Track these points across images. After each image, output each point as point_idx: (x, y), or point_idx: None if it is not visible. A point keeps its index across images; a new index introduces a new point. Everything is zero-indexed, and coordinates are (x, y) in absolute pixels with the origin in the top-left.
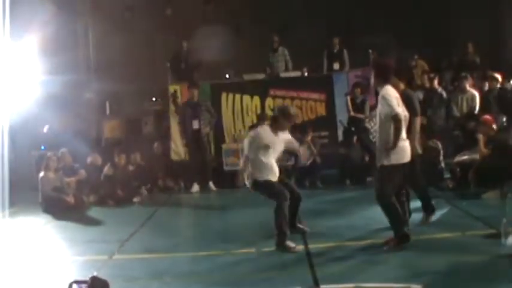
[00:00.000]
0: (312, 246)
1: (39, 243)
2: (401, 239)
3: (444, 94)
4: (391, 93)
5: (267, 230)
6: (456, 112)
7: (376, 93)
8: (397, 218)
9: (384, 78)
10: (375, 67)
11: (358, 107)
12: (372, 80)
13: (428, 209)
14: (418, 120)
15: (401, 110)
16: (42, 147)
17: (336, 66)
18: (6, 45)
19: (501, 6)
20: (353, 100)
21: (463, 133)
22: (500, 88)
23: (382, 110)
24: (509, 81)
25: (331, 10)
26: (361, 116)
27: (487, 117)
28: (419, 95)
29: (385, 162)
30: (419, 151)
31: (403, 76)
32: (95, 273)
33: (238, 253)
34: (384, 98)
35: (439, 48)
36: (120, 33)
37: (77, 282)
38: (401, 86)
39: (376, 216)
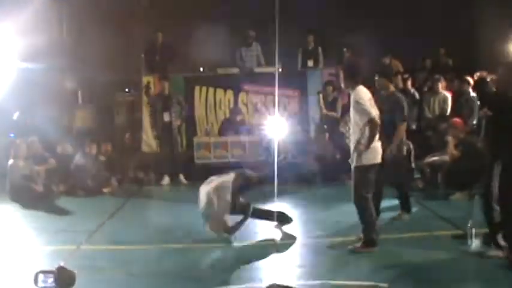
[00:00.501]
0: (282, 242)
1: (6, 232)
2: (369, 243)
3: (417, 95)
4: (363, 97)
5: None
6: (428, 113)
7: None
8: (369, 223)
9: (353, 80)
10: (343, 68)
11: (330, 105)
12: (341, 82)
13: (405, 208)
14: (404, 127)
15: (375, 111)
16: (12, 135)
17: (310, 63)
18: None
19: (475, 7)
20: (325, 98)
21: (434, 134)
22: (480, 81)
23: (356, 114)
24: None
25: (308, 7)
26: (333, 114)
27: (457, 119)
28: None
29: (358, 163)
30: (394, 152)
31: (388, 77)
32: (61, 264)
33: (207, 247)
34: (358, 103)
35: (413, 49)
36: (95, 22)
37: (43, 272)
38: (391, 87)
39: (346, 213)
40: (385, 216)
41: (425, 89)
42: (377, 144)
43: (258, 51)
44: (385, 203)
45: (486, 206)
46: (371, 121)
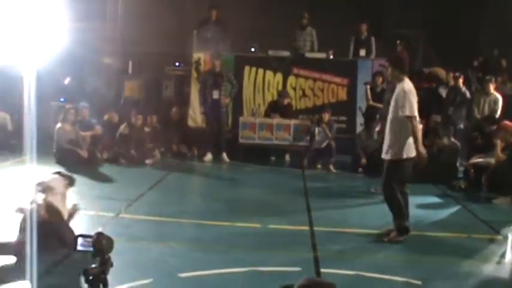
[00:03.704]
0: (317, 229)
1: None
2: (401, 231)
3: (468, 94)
4: (411, 90)
5: (274, 207)
6: (477, 113)
7: None
8: (399, 211)
9: (400, 71)
10: (391, 60)
11: (378, 96)
12: (389, 73)
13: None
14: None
15: (413, 109)
16: (62, 99)
17: (362, 52)
18: None
19: None
20: (373, 89)
21: (482, 135)
22: None
23: (398, 105)
24: None
25: None
26: (379, 105)
27: (507, 122)
28: (443, 92)
29: (398, 156)
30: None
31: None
32: (100, 229)
33: (243, 226)
34: (405, 96)
35: (467, 47)
36: None
37: (82, 236)
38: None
39: (383, 207)
40: (422, 213)
41: (479, 87)
42: (411, 139)
43: (312, 37)
44: (422, 200)
45: None
46: (410, 118)
